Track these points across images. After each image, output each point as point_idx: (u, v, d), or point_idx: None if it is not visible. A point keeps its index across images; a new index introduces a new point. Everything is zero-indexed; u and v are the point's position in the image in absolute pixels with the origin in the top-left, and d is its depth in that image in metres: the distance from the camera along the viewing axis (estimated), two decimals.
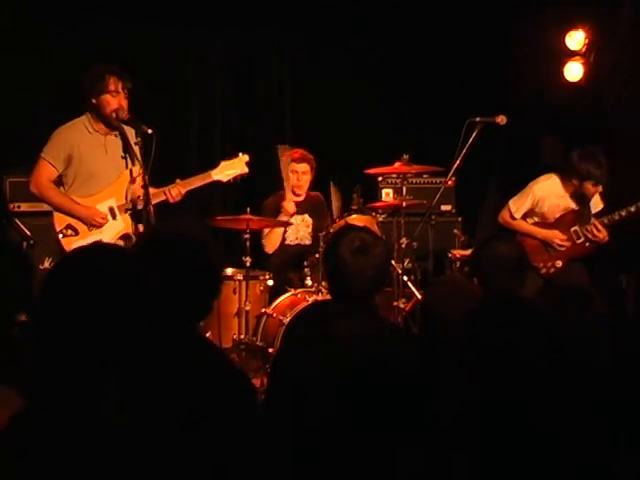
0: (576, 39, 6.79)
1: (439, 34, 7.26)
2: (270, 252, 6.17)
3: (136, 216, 4.80)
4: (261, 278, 5.91)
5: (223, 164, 5.10)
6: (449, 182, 5.92)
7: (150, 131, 4.65)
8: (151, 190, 4.68)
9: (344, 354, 2.58)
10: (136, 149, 4.79)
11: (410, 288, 5.94)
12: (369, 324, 2.72)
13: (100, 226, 4.81)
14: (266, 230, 6.15)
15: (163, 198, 4.83)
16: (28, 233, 4.99)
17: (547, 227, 5.83)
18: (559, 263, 5.77)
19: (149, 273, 1.96)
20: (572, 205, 5.78)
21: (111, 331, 1.84)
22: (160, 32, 6.87)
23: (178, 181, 4.88)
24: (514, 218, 5.82)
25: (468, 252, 6.07)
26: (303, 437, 2.53)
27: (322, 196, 6.38)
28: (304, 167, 6.21)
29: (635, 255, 6.32)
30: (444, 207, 6.80)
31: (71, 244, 4.64)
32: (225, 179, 5.08)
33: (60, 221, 4.78)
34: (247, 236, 5.59)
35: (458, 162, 5.61)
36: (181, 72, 7.25)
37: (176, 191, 4.83)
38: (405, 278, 5.91)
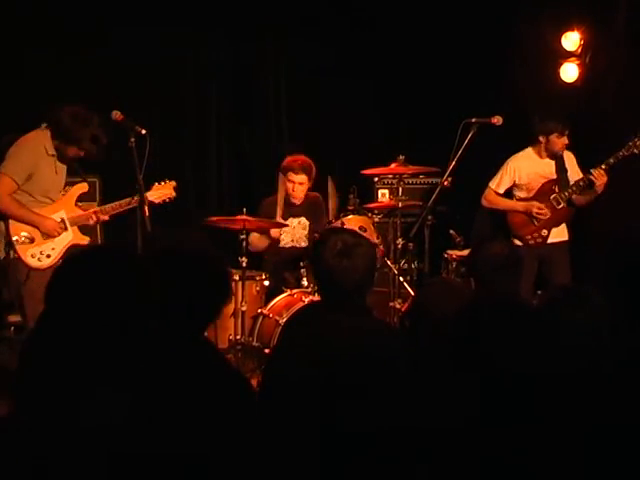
0: (572, 40, 6.80)
1: (436, 35, 7.26)
2: (253, 251, 6.12)
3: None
4: (257, 278, 5.92)
5: (156, 186, 5.45)
6: (445, 183, 5.93)
7: (144, 132, 4.79)
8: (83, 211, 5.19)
9: (336, 353, 2.59)
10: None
11: (406, 288, 5.94)
12: (361, 323, 2.73)
13: (57, 235, 5.06)
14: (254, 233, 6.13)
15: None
16: None
17: (528, 200, 6.10)
18: (544, 232, 6.06)
19: (150, 277, 1.96)
20: (551, 171, 6.04)
21: (112, 331, 1.84)
22: (156, 34, 6.86)
23: (109, 205, 5.25)
24: (498, 194, 6.12)
25: (464, 253, 6.08)
26: (297, 436, 2.53)
27: (320, 197, 6.36)
28: (301, 178, 6.12)
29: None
30: (440, 208, 6.80)
31: (26, 250, 4.95)
32: (157, 201, 5.40)
33: (16, 229, 4.98)
34: (243, 237, 5.60)
35: (454, 163, 5.64)
36: (177, 73, 7.25)
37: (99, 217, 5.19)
38: (401, 279, 5.92)
